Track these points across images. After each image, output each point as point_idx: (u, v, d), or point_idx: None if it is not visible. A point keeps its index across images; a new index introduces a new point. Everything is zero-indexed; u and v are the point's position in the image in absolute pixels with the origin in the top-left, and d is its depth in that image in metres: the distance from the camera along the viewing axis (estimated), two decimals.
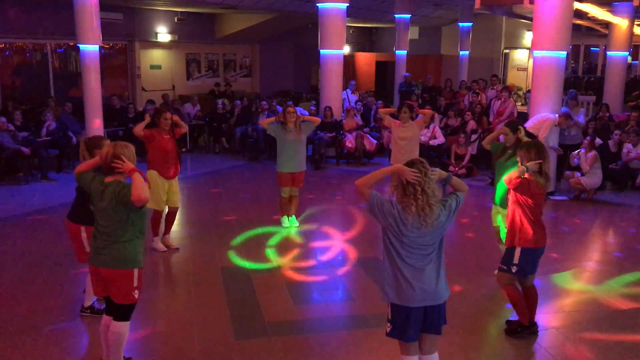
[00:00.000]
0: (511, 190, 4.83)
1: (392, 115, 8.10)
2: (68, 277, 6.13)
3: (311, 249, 7.49)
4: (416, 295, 3.54)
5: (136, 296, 4.16)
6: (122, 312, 4.16)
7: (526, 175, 4.70)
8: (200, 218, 8.48)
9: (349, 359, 4.65)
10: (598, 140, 10.41)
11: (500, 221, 5.91)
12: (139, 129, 6.71)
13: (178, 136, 7.05)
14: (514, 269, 4.84)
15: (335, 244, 7.64)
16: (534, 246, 4.82)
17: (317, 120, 8.09)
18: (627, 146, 10.38)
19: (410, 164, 3.56)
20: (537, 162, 4.70)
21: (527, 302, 4.98)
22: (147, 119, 6.85)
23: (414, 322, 3.60)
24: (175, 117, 6.98)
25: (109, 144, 4.14)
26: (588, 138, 9.91)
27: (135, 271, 4.12)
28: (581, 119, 10.87)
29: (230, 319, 5.28)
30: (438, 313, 3.64)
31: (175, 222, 7.36)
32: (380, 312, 5.50)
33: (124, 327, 4.18)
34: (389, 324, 3.71)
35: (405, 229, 3.51)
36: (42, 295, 5.72)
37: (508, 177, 4.74)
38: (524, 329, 4.96)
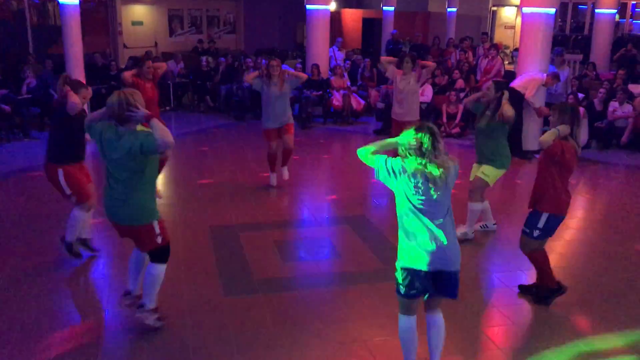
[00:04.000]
0: (543, 154, 4.70)
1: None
2: (52, 237, 6.09)
3: (299, 207, 7.49)
4: (428, 259, 3.46)
5: (159, 241, 4.19)
6: (153, 255, 4.23)
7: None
8: (186, 177, 8.42)
9: (336, 314, 4.70)
10: (580, 95, 10.44)
11: (475, 170, 6.13)
12: (128, 75, 6.89)
13: (157, 78, 7.25)
14: (536, 233, 4.75)
15: (323, 202, 7.65)
16: (561, 213, 4.73)
17: (304, 76, 7.98)
18: (613, 104, 10.40)
19: (420, 127, 3.48)
20: (567, 125, 4.51)
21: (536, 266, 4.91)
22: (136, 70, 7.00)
23: (421, 283, 3.54)
24: (155, 63, 7.20)
25: (116, 94, 4.03)
26: (571, 97, 9.91)
27: (155, 222, 4.15)
28: (563, 76, 10.80)
29: (219, 276, 5.30)
30: (449, 280, 3.53)
31: (161, 181, 7.31)
32: (366, 269, 5.58)
33: (158, 269, 4.24)
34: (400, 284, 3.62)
35: (414, 191, 3.45)
36: (26, 254, 5.69)
37: (544, 139, 4.53)
38: (553, 293, 4.86)
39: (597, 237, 6.58)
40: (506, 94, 5.84)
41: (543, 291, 4.92)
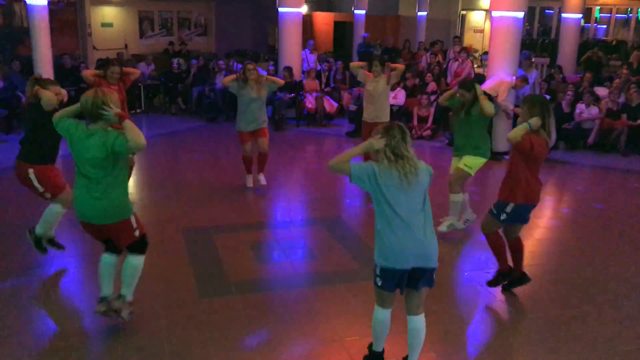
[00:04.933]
0: (512, 149, 4.75)
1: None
2: (22, 241, 5.97)
3: (274, 209, 7.49)
4: (405, 256, 3.51)
5: (137, 234, 4.20)
6: (133, 248, 4.24)
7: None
8: (158, 179, 8.34)
9: (312, 315, 4.71)
10: (547, 97, 10.65)
11: (456, 163, 6.22)
12: (89, 73, 6.81)
13: (129, 84, 7.04)
14: (502, 217, 4.80)
15: (297, 203, 7.66)
16: (528, 202, 4.78)
17: (281, 81, 8.01)
18: (580, 106, 10.65)
19: (389, 127, 3.59)
20: (538, 118, 4.54)
21: (514, 254, 4.99)
22: (100, 71, 6.86)
23: (399, 278, 3.59)
24: (127, 69, 7.03)
25: (92, 91, 4.00)
26: None
27: (132, 217, 4.16)
28: (531, 79, 11.00)
29: (194, 278, 5.26)
30: (424, 274, 3.61)
31: (133, 183, 7.23)
32: (342, 269, 5.61)
33: (138, 260, 4.27)
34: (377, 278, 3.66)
35: (389, 191, 3.51)
36: None
37: (513, 136, 4.57)
38: (505, 277, 5.00)
39: (565, 235, 6.73)
40: (479, 90, 5.94)
41: (504, 277, 5.04)
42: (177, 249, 5.90)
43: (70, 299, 5.07)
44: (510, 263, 5.06)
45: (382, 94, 7.70)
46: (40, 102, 5.00)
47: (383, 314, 3.77)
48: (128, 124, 3.85)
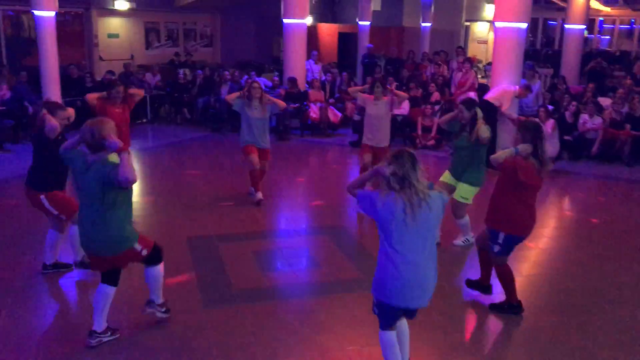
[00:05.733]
0: (500, 171, 4.64)
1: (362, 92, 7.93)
2: (27, 249, 6.02)
3: (277, 218, 7.52)
4: (402, 296, 3.46)
5: (144, 254, 4.26)
6: (147, 262, 4.34)
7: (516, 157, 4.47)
8: (163, 189, 8.39)
9: (315, 324, 4.72)
10: (550, 107, 10.69)
11: (448, 179, 6.22)
12: (93, 97, 6.71)
13: (132, 105, 6.95)
14: (496, 248, 4.70)
15: (301, 213, 7.69)
16: (520, 234, 4.65)
17: (283, 104, 7.96)
18: (584, 117, 10.67)
19: (398, 155, 3.43)
20: (528, 145, 4.44)
21: (502, 282, 4.89)
22: (103, 94, 6.75)
23: (394, 313, 3.61)
24: (132, 90, 6.91)
25: (91, 122, 4.03)
26: (542, 109, 10.12)
27: (136, 244, 4.17)
28: (535, 89, 11.01)
29: (199, 288, 5.29)
30: (417, 310, 3.65)
31: (138, 193, 7.27)
32: (344, 278, 5.63)
33: (156, 270, 4.42)
34: (376, 310, 3.68)
35: (391, 224, 3.40)
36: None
37: (495, 157, 4.53)
38: (511, 308, 4.89)
39: (569, 244, 6.73)
40: (479, 113, 5.92)
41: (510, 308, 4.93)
42: (182, 258, 5.93)
43: (83, 302, 5.11)
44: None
45: (383, 117, 7.49)
46: (44, 130, 5.00)
47: (387, 336, 3.70)
48: (124, 157, 3.85)
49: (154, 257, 4.36)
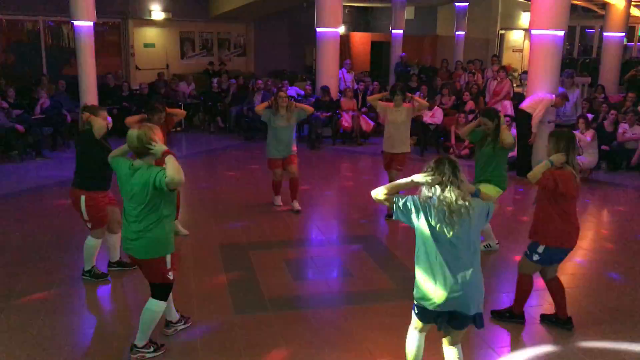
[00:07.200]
0: (538, 188, 4.54)
1: (382, 99, 7.91)
2: (65, 255, 6.12)
3: (309, 226, 7.50)
4: (443, 300, 3.35)
5: (171, 277, 4.18)
6: (157, 291, 4.18)
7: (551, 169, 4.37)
8: (197, 197, 8.46)
9: (345, 334, 4.68)
10: (589, 115, 10.45)
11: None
12: (133, 121, 6.18)
13: (172, 125, 6.79)
14: (535, 257, 4.60)
15: (333, 221, 7.66)
16: (560, 246, 4.52)
17: (310, 109, 8.02)
18: (623, 126, 10.40)
19: (439, 162, 3.36)
20: (562, 154, 4.34)
21: (553, 296, 4.78)
22: (143, 116, 6.40)
23: (434, 318, 3.49)
24: (171, 110, 6.70)
25: (137, 127, 4.09)
26: (582, 119, 9.90)
27: (168, 256, 4.14)
28: (573, 98, 10.77)
29: (230, 295, 5.30)
30: (464, 320, 3.43)
31: None
32: (376, 288, 5.57)
33: (158, 306, 4.17)
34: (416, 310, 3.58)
35: (430, 233, 3.33)
36: (39, 273, 5.72)
37: (533, 175, 4.39)
38: (511, 317, 4.84)
39: (607, 258, 6.54)
40: (502, 119, 5.98)
41: (510, 311, 4.87)
42: (214, 266, 5.96)
43: (107, 309, 5.17)
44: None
45: (403, 124, 7.50)
46: (92, 130, 5.19)
47: (415, 336, 3.71)
48: (170, 159, 3.88)
49: (166, 291, 4.23)
